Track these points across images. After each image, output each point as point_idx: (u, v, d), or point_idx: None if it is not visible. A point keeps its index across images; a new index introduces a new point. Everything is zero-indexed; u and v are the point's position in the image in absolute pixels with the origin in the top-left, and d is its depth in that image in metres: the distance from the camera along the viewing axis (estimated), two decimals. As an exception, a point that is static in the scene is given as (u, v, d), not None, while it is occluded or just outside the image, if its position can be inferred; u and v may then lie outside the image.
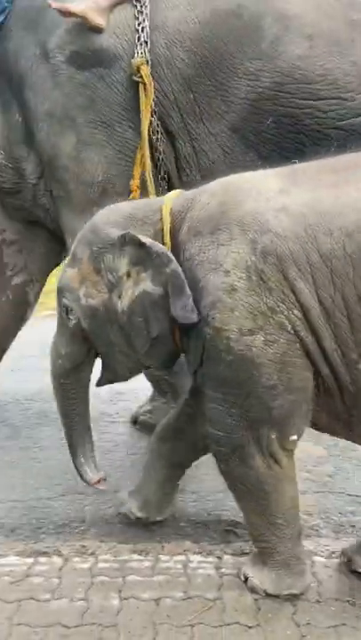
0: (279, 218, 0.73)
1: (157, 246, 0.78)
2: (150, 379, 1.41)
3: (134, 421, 1.61)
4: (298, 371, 0.75)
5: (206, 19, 1.12)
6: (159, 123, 1.15)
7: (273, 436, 0.78)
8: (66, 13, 1.09)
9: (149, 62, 1.10)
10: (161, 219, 0.84)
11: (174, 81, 1.14)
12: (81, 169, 1.20)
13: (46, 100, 1.18)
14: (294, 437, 0.81)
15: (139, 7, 1.12)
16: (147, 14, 1.12)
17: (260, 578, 0.87)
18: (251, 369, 0.73)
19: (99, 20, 1.11)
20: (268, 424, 0.78)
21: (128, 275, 0.83)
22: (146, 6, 1.12)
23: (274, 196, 0.77)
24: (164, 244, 0.81)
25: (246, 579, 0.89)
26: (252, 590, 0.88)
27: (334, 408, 0.81)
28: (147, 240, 0.78)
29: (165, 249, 0.79)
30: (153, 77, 1.11)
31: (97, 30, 1.12)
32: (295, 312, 0.72)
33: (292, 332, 0.72)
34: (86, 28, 1.12)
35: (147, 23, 1.11)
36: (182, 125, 1.16)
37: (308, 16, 1.10)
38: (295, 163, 0.91)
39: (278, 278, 0.71)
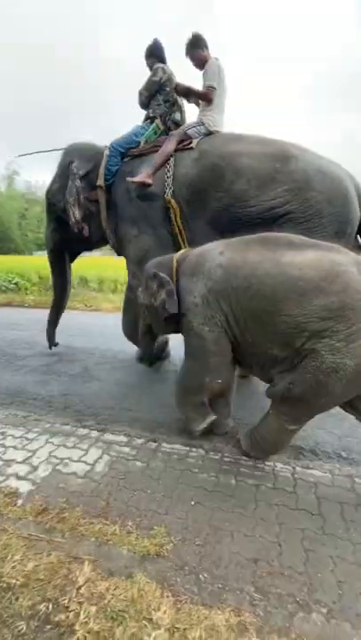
0: (217, 270, 1.67)
1: (166, 278, 1.80)
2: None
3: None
4: (224, 342, 1.71)
5: (196, 173, 2.33)
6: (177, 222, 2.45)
7: (207, 379, 1.79)
8: (133, 182, 2.44)
9: (172, 196, 2.38)
10: (172, 265, 1.87)
11: (183, 203, 2.39)
12: (138, 243, 2.62)
13: (125, 212, 2.65)
14: (219, 381, 1.81)
15: (167, 170, 2.42)
16: (171, 173, 2.40)
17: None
18: (201, 340, 1.73)
19: (148, 181, 2.40)
20: (207, 372, 1.78)
21: (157, 290, 1.84)
22: (170, 169, 2.41)
23: (217, 256, 1.71)
24: (172, 277, 1.82)
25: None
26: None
27: (242, 359, 1.78)
28: (163, 275, 1.82)
29: (169, 280, 1.80)
30: (175, 202, 2.39)
31: (148, 185, 2.42)
32: (221, 317, 1.67)
33: (220, 326, 1.68)
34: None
35: (171, 178, 2.40)
36: (187, 222, 2.42)
37: (249, 164, 2.19)
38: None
39: (214, 301, 1.66)
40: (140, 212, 2.54)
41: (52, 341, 3.51)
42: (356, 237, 2.29)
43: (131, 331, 3.15)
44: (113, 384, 2.92)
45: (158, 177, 2.40)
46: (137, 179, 2.40)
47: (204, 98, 2.48)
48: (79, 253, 3.46)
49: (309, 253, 1.50)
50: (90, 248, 3.31)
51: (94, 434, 2.08)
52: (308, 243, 1.59)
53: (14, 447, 1.94)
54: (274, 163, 2.14)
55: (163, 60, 2.76)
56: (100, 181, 2.64)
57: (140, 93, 2.77)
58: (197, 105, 2.63)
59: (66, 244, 3.16)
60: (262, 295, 1.50)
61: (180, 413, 2.06)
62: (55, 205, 2.90)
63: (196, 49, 2.52)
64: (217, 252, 1.71)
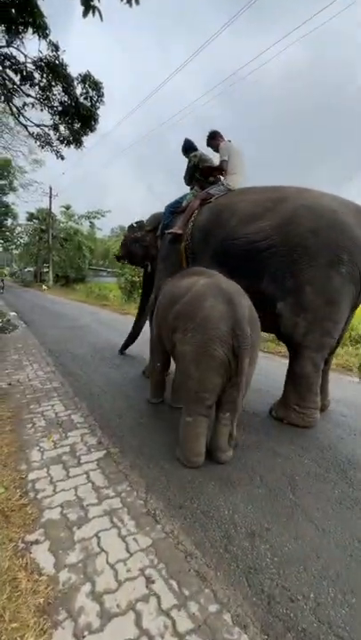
0: (163, 290, 2.65)
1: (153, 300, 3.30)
2: None
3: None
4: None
5: (207, 217, 2.97)
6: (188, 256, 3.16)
7: (156, 363, 2.87)
8: (168, 232, 3.31)
9: (188, 240, 3.09)
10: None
11: (196, 244, 3.03)
12: (160, 274, 3.47)
13: (161, 252, 3.56)
14: (158, 364, 2.86)
15: (191, 220, 3.11)
16: (192, 222, 3.09)
17: None
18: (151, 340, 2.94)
19: (179, 231, 3.17)
20: (153, 356, 2.90)
21: None
22: (193, 219, 3.09)
23: (168, 282, 2.65)
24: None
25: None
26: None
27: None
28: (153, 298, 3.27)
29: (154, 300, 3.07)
30: (189, 243, 3.10)
31: (179, 235, 3.19)
32: (158, 318, 2.55)
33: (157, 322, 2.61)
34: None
35: (191, 226, 3.08)
36: (196, 258, 3.01)
37: (244, 207, 2.71)
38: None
39: (157, 308, 2.60)
40: (168, 253, 3.41)
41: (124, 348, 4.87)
42: None
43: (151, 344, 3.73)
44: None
45: (184, 228, 3.17)
46: (171, 230, 3.27)
47: (219, 170, 3.28)
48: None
49: (193, 278, 2.24)
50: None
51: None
52: (200, 271, 2.35)
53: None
54: (267, 204, 2.55)
55: (195, 150, 3.64)
56: (157, 232, 3.78)
57: (184, 177, 3.70)
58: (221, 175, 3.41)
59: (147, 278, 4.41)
60: (163, 304, 2.39)
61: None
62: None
63: (213, 140, 3.40)
64: (167, 283, 2.65)
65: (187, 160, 3.69)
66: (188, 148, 3.70)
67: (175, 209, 3.56)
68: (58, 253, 23.96)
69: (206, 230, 2.89)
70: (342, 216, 2.28)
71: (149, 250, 3.92)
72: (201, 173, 3.47)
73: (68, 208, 25.01)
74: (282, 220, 2.38)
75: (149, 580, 1.32)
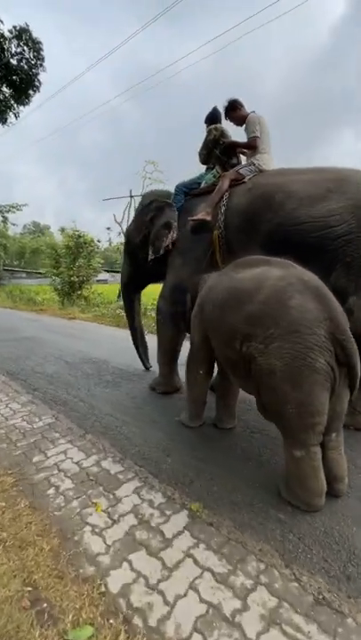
0: (206, 290, 2.17)
1: (183, 300, 2.61)
2: None
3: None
4: (205, 347, 2.16)
5: (249, 200, 2.48)
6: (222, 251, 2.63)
7: (200, 371, 2.34)
8: (193, 220, 2.71)
9: (221, 227, 2.58)
10: (199, 285, 2.35)
11: (234, 231, 2.53)
12: (178, 272, 2.89)
13: (178, 243, 2.92)
14: (201, 372, 2.32)
15: (221, 204, 2.61)
16: (225, 206, 2.59)
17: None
18: (192, 345, 2.32)
19: (208, 217, 2.61)
20: (197, 365, 2.33)
21: None
22: (224, 202, 2.60)
23: (209, 280, 2.22)
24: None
25: None
26: None
27: (223, 366, 2.17)
28: (186, 298, 2.57)
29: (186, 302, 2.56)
30: (222, 232, 2.59)
31: (206, 222, 2.63)
32: (206, 326, 2.08)
33: (204, 334, 2.13)
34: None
35: (224, 211, 2.58)
36: (237, 250, 2.45)
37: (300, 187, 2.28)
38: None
39: (201, 314, 2.13)
40: (189, 245, 2.81)
41: (145, 363, 3.88)
42: None
43: (161, 356, 3.14)
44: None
45: (213, 214, 2.63)
46: (197, 217, 2.65)
47: (250, 147, 2.79)
48: (145, 285, 3.76)
49: (259, 269, 1.76)
50: (159, 279, 3.37)
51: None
52: (265, 260, 1.81)
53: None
54: (327, 184, 2.21)
55: (219, 122, 3.05)
56: (159, 218, 3.03)
57: (200, 153, 3.09)
58: (244, 154, 3.01)
59: (137, 277, 3.55)
60: (217, 306, 1.89)
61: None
62: (131, 242, 3.41)
63: (234, 111, 2.87)
64: (211, 277, 2.19)
65: (206, 133, 3.12)
66: (213, 118, 3.11)
67: (190, 190, 3.00)
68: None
69: (250, 215, 2.41)
70: None
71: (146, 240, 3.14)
72: (223, 150, 2.97)
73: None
74: (356, 202, 2.08)
75: None
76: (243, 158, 3.01)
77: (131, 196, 13.63)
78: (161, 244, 2.89)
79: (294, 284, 1.56)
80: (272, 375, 1.52)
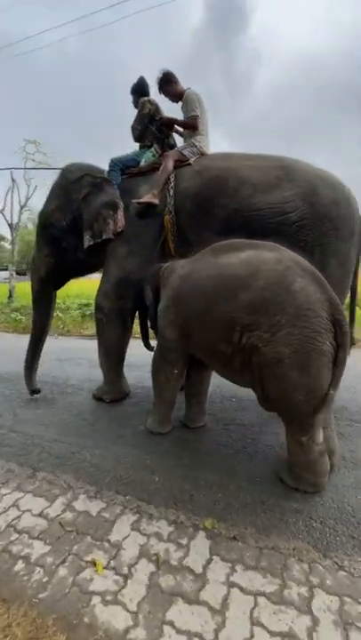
0: (176, 280, 1.93)
1: (149, 294, 2.23)
2: None
3: None
4: (182, 343, 1.91)
5: (200, 184, 2.33)
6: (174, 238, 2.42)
7: (168, 370, 2.07)
8: (139, 203, 2.41)
9: (171, 212, 2.37)
10: (158, 276, 2.18)
11: (186, 217, 2.35)
12: (123, 263, 2.53)
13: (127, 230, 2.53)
14: (176, 371, 2.07)
15: (168, 187, 2.40)
16: (173, 189, 2.39)
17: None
18: (164, 340, 2.02)
19: (155, 201, 2.37)
20: (167, 365, 2.07)
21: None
22: (171, 185, 2.40)
23: (179, 269, 1.97)
24: (158, 285, 2.17)
25: None
26: None
27: (207, 361, 1.93)
28: (148, 292, 2.25)
29: (151, 295, 2.21)
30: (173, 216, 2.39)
31: (154, 205, 2.38)
32: (179, 320, 1.86)
33: (180, 328, 1.88)
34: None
35: (172, 194, 2.38)
36: (191, 236, 2.35)
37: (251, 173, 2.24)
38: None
39: (174, 307, 1.89)
40: (136, 231, 2.48)
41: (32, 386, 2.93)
42: None
43: (105, 359, 2.73)
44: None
45: (161, 198, 2.40)
46: (144, 199, 2.38)
47: (190, 127, 2.59)
48: (66, 281, 3.05)
49: (245, 253, 1.63)
50: (86, 272, 3.04)
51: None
52: (249, 244, 1.70)
53: None
54: (276, 172, 2.22)
55: (146, 94, 2.80)
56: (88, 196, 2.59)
57: (134, 128, 2.78)
58: (178, 133, 2.82)
59: (60, 271, 2.86)
60: (204, 295, 1.68)
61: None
62: (53, 226, 2.70)
63: (170, 84, 2.64)
64: (180, 265, 1.98)
65: (134, 106, 2.79)
66: (141, 89, 2.78)
67: (127, 167, 2.63)
68: None
69: (203, 200, 2.27)
70: (348, 189, 2.32)
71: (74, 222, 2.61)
72: (159, 127, 2.69)
73: None
74: (305, 190, 2.14)
75: None
76: (176, 138, 2.83)
77: (12, 180, 11.68)
78: (104, 227, 2.45)
79: (292, 267, 1.50)
80: (279, 364, 1.44)
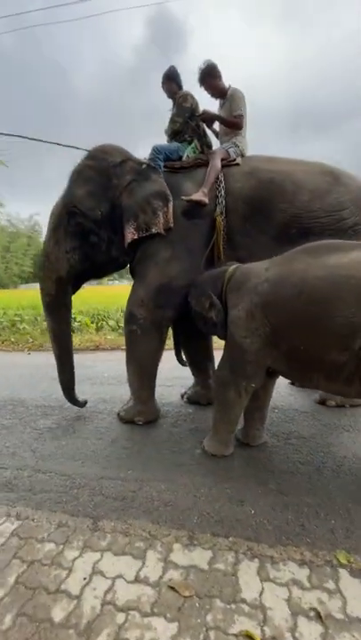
0: (263, 285, 1.68)
1: (216, 301, 1.90)
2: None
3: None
4: (262, 354, 1.72)
5: (254, 185, 2.20)
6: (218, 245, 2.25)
7: (243, 384, 1.83)
8: (189, 200, 2.16)
9: (223, 213, 2.21)
10: (223, 282, 1.92)
11: (239, 220, 2.21)
12: (166, 268, 2.26)
13: (175, 230, 2.27)
14: (253, 385, 1.83)
15: (218, 185, 2.22)
16: (224, 189, 2.22)
17: None
18: (242, 352, 1.76)
19: (205, 200, 2.16)
20: (244, 379, 1.81)
21: (208, 309, 1.93)
22: (222, 184, 2.23)
23: (263, 272, 1.73)
24: (222, 292, 1.91)
25: None
26: None
27: (300, 371, 1.80)
28: (215, 298, 1.90)
29: (219, 302, 1.90)
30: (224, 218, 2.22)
31: (203, 205, 2.17)
32: (267, 330, 1.66)
33: (264, 338, 1.68)
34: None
35: (223, 194, 2.21)
36: (244, 239, 2.24)
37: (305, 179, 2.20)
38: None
39: (260, 314, 1.66)
40: (181, 232, 2.22)
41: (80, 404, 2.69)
42: None
43: (137, 377, 2.41)
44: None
45: (210, 197, 2.21)
46: (194, 197, 2.15)
47: (235, 125, 2.44)
48: (84, 283, 2.59)
49: (354, 254, 1.52)
50: (112, 272, 2.68)
51: None
52: (349, 244, 1.61)
53: None
54: (324, 177, 2.20)
55: (181, 87, 2.59)
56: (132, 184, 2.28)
57: (175, 121, 2.51)
58: (214, 132, 2.65)
59: (84, 270, 2.41)
60: (314, 299, 1.49)
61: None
62: (83, 215, 2.24)
63: (214, 78, 2.46)
64: (262, 269, 1.77)
65: (167, 96, 2.60)
66: (178, 79, 2.55)
67: (168, 159, 2.38)
68: None
69: (260, 203, 2.16)
70: None
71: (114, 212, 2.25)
72: (197, 123, 2.49)
73: None
74: (357, 195, 2.17)
75: None
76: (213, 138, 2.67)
77: None
78: (153, 219, 2.15)
79: None
80: None
